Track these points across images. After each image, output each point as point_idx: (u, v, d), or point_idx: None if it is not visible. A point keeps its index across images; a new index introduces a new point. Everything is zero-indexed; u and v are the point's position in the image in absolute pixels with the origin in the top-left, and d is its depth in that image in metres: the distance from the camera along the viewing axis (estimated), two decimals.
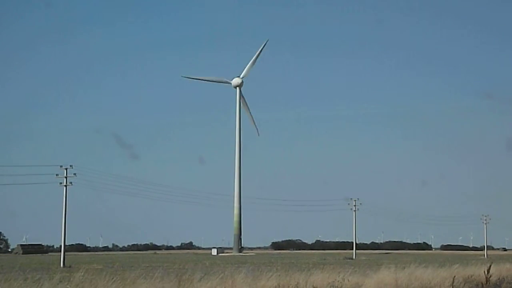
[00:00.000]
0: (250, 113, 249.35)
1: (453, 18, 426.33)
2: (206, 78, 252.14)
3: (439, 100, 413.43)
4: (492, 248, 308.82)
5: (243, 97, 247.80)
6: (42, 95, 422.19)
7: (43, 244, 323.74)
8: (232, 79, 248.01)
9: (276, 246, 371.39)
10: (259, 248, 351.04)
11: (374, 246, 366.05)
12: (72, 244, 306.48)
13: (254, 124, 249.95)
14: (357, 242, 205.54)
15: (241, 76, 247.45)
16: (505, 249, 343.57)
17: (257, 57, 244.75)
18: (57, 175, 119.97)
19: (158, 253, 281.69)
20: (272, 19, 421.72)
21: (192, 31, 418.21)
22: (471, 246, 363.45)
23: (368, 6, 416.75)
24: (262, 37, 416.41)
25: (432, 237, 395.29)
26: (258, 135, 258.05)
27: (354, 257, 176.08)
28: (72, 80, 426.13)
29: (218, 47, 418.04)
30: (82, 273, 37.74)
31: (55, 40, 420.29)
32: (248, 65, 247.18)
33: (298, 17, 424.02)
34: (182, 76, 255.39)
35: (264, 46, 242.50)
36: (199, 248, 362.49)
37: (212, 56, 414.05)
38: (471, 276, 50.01)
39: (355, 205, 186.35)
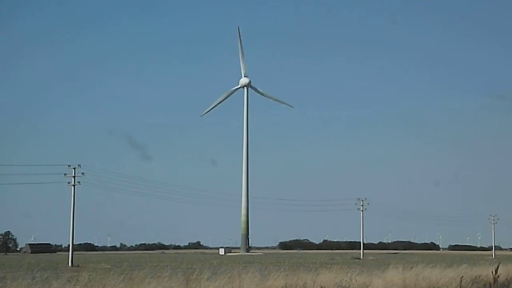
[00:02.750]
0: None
1: (466, 21, 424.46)
2: (220, 100, 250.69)
3: (449, 101, 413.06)
4: (500, 248, 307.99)
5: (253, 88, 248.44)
6: (52, 94, 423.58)
7: (51, 243, 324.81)
8: (239, 80, 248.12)
9: (284, 246, 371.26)
10: (267, 248, 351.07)
11: (381, 246, 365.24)
12: (80, 244, 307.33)
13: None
14: (365, 242, 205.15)
15: (242, 74, 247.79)
16: None
17: (241, 49, 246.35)
18: (65, 174, 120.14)
19: (166, 253, 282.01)
20: (283, 19, 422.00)
21: (203, 31, 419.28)
22: (479, 246, 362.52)
23: (380, 7, 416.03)
24: (270, 37, 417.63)
25: (440, 237, 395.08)
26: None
27: (361, 257, 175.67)
28: (82, 80, 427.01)
29: (229, 46, 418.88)
30: (90, 273, 37.89)
31: (66, 39, 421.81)
32: (241, 61, 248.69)
33: (310, 17, 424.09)
34: (201, 116, 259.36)
35: (239, 35, 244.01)
36: (206, 247, 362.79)
37: (222, 55, 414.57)
38: (479, 277, 49.93)
39: (362, 205, 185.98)
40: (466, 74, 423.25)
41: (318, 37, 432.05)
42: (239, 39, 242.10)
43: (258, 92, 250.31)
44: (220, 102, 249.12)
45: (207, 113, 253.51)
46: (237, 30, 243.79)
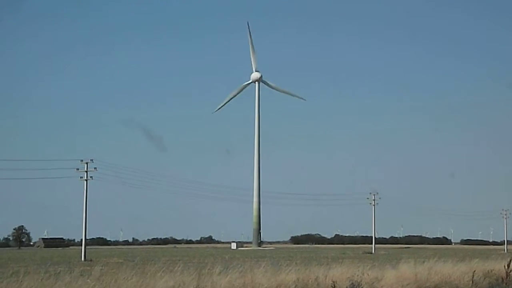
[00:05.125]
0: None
1: (489, 8, 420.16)
2: (232, 96, 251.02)
3: (461, 94, 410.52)
4: None
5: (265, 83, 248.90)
6: (64, 88, 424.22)
7: (64, 238, 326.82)
8: (251, 75, 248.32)
9: (295, 240, 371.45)
10: (278, 242, 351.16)
11: (393, 240, 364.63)
12: (93, 238, 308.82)
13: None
14: (376, 237, 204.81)
15: (254, 69, 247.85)
16: None
17: (252, 44, 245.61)
18: (77, 169, 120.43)
19: (178, 247, 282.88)
20: (293, 7, 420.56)
21: (212, 15, 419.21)
22: (491, 240, 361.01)
23: None
24: (280, 27, 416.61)
25: (452, 231, 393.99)
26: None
27: (373, 251, 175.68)
28: (95, 73, 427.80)
29: (242, 38, 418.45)
30: (103, 267, 38.13)
31: (80, 30, 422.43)
32: (251, 56, 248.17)
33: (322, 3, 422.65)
34: (213, 113, 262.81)
35: (249, 30, 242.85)
36: (218, 242, 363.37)
37: (236, 46, 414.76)
38: (491, 271, 49.83)
39: (374, 199, 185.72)
40: (482, 64, 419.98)
41: (338, 24, 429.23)
42: (249, 34, 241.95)
43: (269, 86, 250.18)
44: (232, 98, 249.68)
45: (219, 110, 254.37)
46: (247, 25, 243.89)
